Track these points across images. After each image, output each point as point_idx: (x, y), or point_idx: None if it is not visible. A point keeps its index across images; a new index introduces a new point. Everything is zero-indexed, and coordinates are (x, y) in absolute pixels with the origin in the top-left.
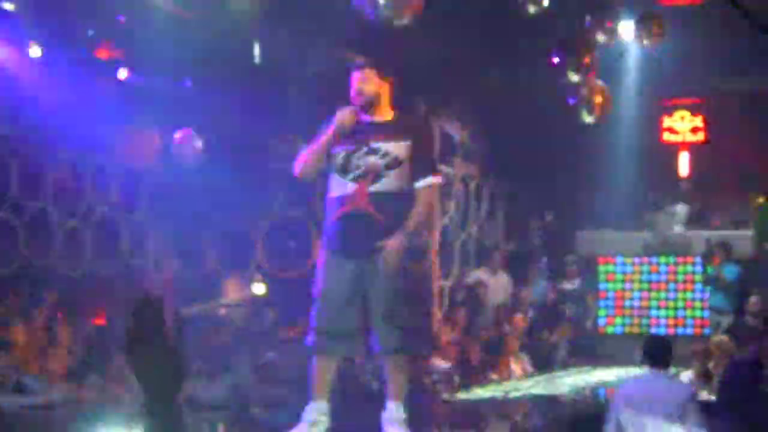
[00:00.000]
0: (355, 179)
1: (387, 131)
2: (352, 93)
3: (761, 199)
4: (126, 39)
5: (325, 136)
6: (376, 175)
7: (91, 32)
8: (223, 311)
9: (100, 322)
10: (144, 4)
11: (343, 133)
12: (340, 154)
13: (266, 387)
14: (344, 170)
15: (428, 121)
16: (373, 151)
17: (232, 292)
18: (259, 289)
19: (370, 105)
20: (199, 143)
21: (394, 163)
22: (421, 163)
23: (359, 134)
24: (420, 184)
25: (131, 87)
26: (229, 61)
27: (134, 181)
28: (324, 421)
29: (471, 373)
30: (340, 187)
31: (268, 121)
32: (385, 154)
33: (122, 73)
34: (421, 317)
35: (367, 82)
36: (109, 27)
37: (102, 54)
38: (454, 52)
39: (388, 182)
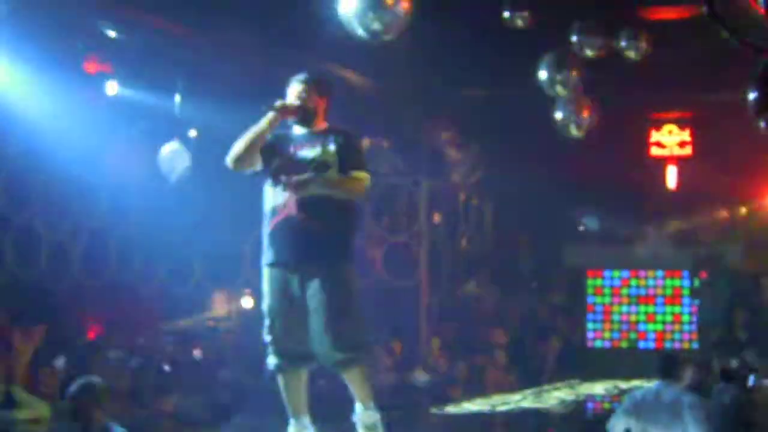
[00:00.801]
0: (284, 188)
1: (314, 139)
2: (289, 104)
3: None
4: (114, 52)
5: (255, 127)
6: (304, 182)
7: (79, 45)
8: (210, 325)
9: (89, 336)
10: (133, 18)
11: (273, 124)
12: (272, 167)
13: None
14: (275, 181)
15: (355, 129)
16: (301, 160)
17: (219, 305)
18: (247, 303)
19: (307, 118)
20: (186, 157)
21: (321, 168)
22: (346, 162)
23: (290, 146)
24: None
25: (119, 101)
26: (216, 76)
27: (122, 195)
28: None
29: (459, 387)
30: (272, 198)
31: None
32: (312, 160)
33: (111, 88)
34: (362, 328)
35: (306, 96)
36: (97, 40)
37: (90, 68)
38: (441, 65)
39: (316, 187)
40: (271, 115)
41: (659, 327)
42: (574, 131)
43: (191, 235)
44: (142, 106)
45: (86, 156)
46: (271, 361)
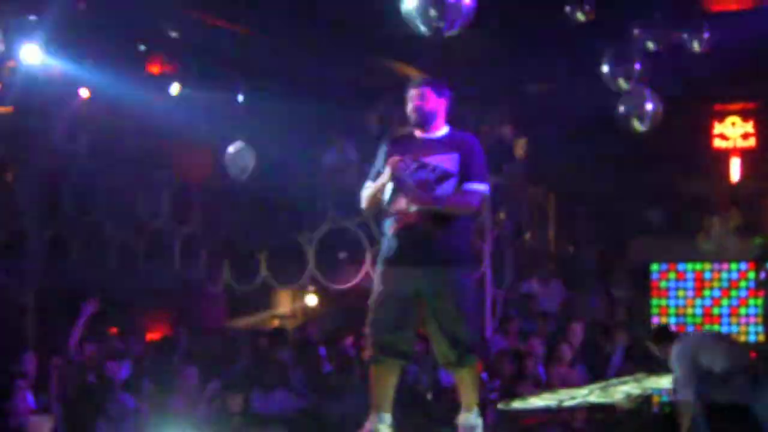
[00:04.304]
0: (408, 201)
1: (437, 146)
2: (409, 110)
3: None
4: (178, 54)
5: (380, 182)
6: (423, 203)
7: (143, 47)
8: (275, 323)
9: (155, 336)
10: (195, 19)
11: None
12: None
13: (324, 399)
14: (398, 188)
15: (477, 135)
16: (424, 167)
17: (284, 303)
18: (311, 300)
19: (427, 122)
20: (251, 156)
21: (444, 177)
22: (468, 172)
23: (413, 150)
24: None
25: (183, 101)
26: (279, 75)
27: (186, 193)
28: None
29: (525, 383)
30: (395, 202)
31: (318, 132)
32: (435, 168)
33: (174, 88)
34: (475, 330)
35: (425, 100)
36: (160, 41)
37: (154, 69)
38: (501, 58)
39: (434, 209)
40: (386, 171)
41: (724, 319)
42: (637, 125)
43: (255, 234)
44: (205, 106)
45: (152, 156)
46: (368, 352)
